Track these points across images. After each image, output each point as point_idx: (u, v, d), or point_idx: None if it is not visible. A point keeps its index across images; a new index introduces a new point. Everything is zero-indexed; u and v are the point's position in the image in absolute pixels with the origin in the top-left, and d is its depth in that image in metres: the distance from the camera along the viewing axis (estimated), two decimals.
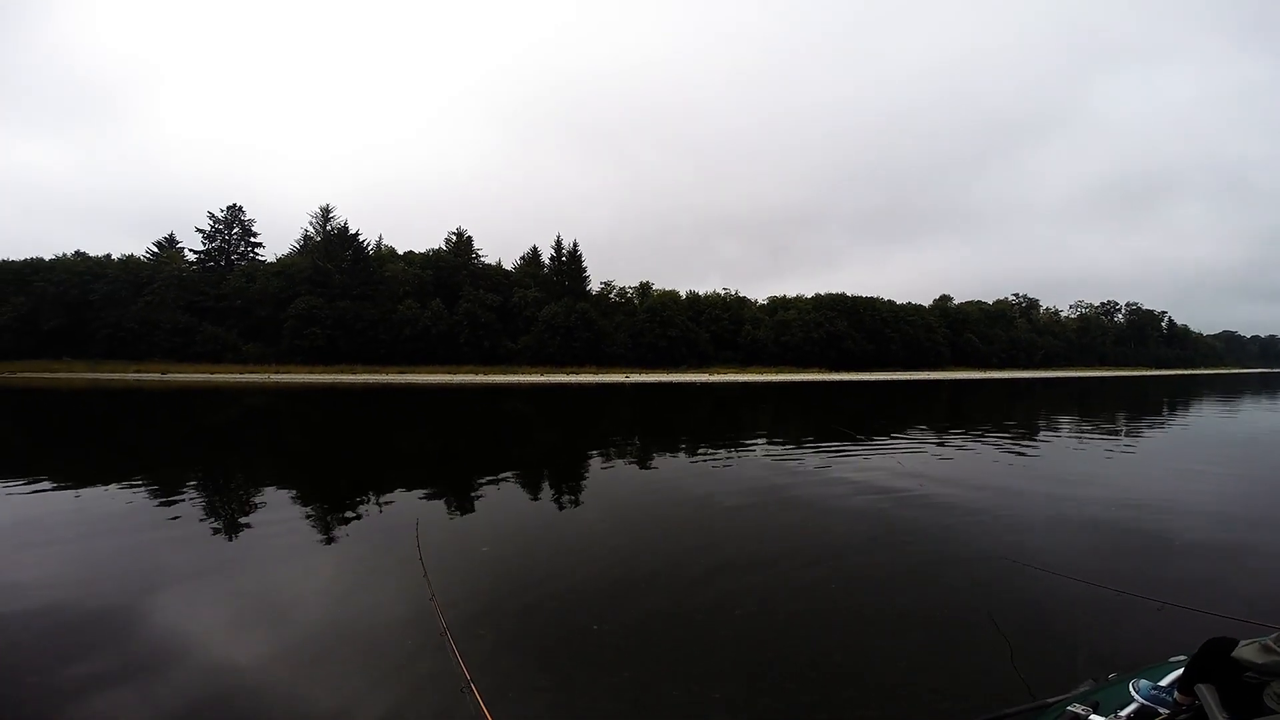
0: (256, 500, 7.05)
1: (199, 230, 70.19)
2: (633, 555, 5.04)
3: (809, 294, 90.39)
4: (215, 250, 70.91)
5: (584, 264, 77.79)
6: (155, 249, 68.24)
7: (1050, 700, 1.97)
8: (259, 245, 73.19)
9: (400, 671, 3.07)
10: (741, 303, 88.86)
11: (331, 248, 67.67)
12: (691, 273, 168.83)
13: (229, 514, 6.50)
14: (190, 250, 69.92)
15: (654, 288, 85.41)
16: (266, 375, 52.70)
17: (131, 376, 48.93)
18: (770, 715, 2.81)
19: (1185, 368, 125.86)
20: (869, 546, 5.34)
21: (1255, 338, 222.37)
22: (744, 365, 76.52)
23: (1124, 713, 1.70)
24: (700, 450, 11.44)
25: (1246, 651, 1.45)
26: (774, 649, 3.40)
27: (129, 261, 65.85)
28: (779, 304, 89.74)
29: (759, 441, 12.52)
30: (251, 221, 72.59)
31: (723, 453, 11.05)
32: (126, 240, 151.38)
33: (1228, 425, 17.07)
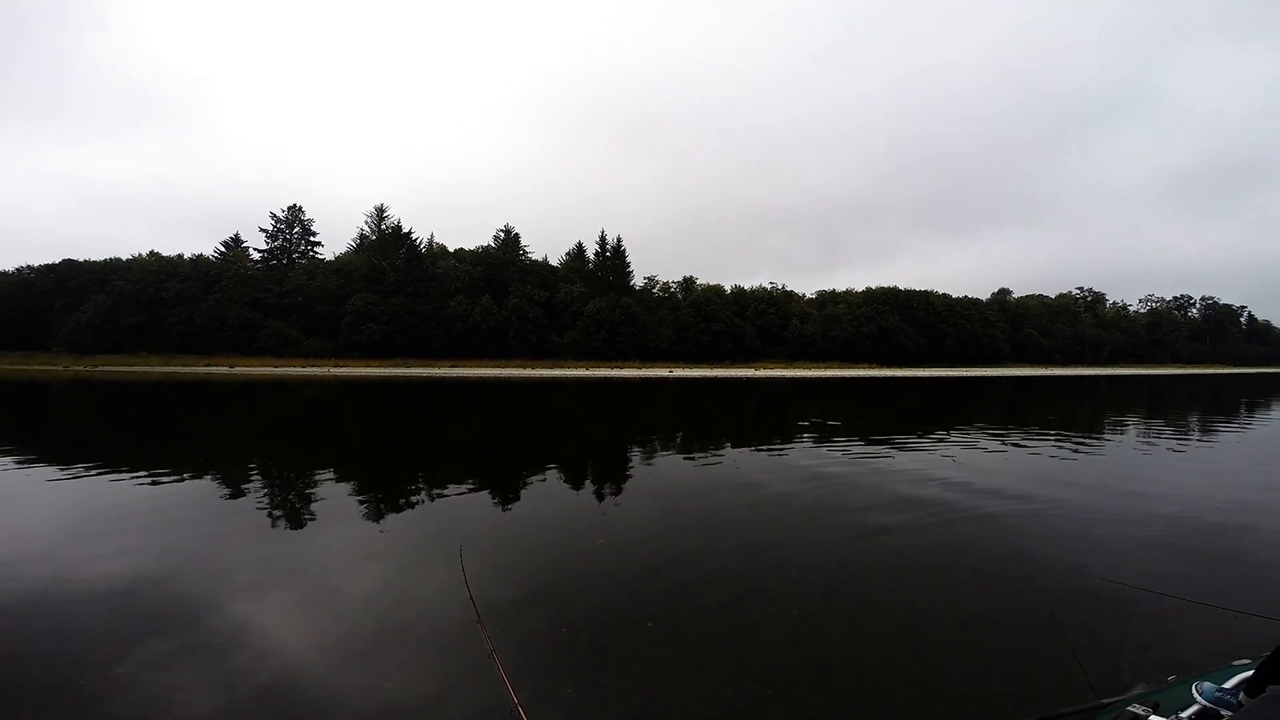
0: (315, 493, 7.23)
1: (262, 230, 73.73)
2: (681, 553, 4.97)
3: (860, 288, 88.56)
4: (278, 249, 74.19)
5: (627, 259, 78.32)
6: (222, 248, 71.85)
7: (1107, 701, 1.92)
8: (318, 244, 76.34)
9: (445, 690, 3.05)
10: (789, 297, 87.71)
11: (386, 246, 69.93)
12: (739, 267, 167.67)
13: (287, 508, 6.70)
14: (254, 249, 73.48)
15: (698, 282, 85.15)
16: (326, 369, 54.80)
17: (202, 370, 51.59)
18: (832, 716, 2.79)
19: (1268, 365, 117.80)
20: (927, 548, 5.16)
21: None
22: (791, 361, 75.51)
23: (1185, 714, 1.65)
24: (746, 445, 11.31)
25: None
26: (837, 649, 3.38)
27: (199, 261, 69.54)
28: (828, 298, 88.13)
29: (806, 439, 12.29)
30: (311, 221, 75.74)
31: (767, 449, 10.89)
32: (196, 239, 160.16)
33: None
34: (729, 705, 2.87)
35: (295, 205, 75.07)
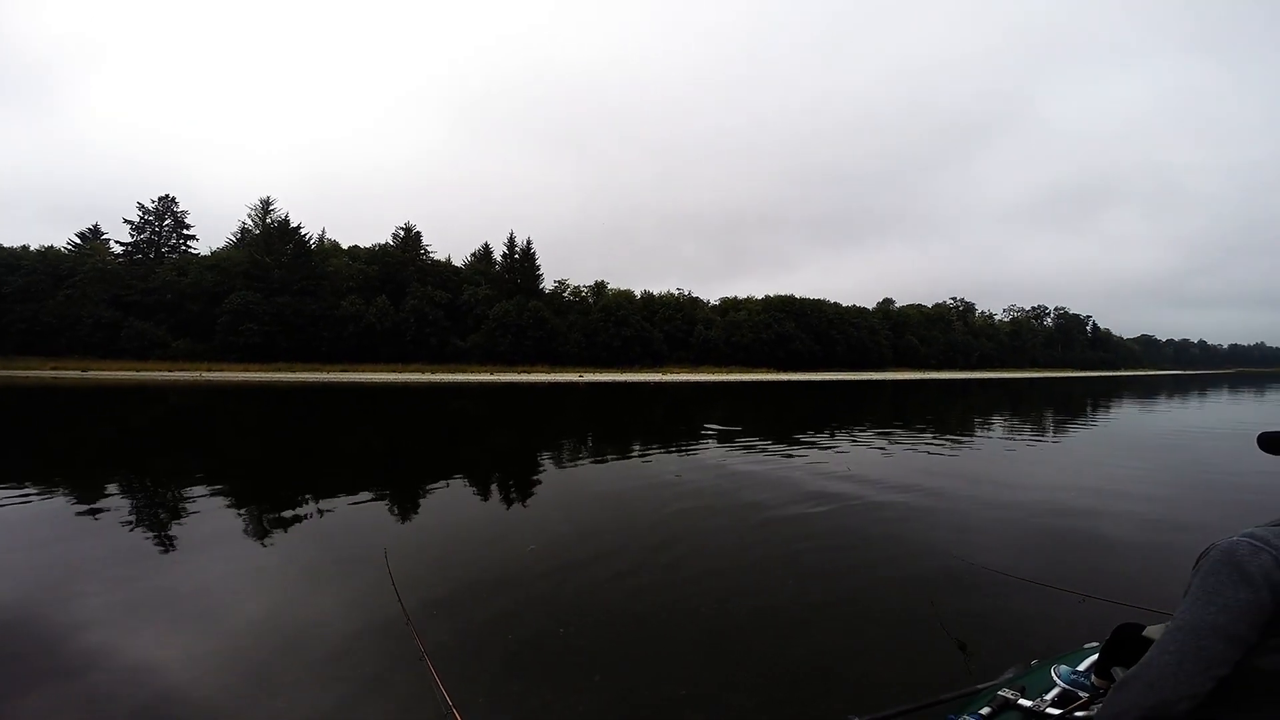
0: (189, 508, 6.65)
1: (127, 221, 66.64)
2: (593, 557, 5.04)
3: (760, 295, 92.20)
4: (144, 243, 67.27)
5: (537, 262, 77.37)
6: (78, 240, 64.19)
7: (981, 686, 2.08)
8: (192, 238, 69.97)
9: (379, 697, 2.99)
10: (695, 303, 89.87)
11: (271, 241, 65.10)
12: (651, 272, 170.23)
13: (160, 523, 6.12)
14: (117, 242, 66.18)
15: (610, 287, 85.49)
16: (198, 373, 50.22)
17: (49, 373, 45.84)
18: (739, 713, 2.90)
19: (1108, 370, 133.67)
20: (820, 544, 5.48)
21: (1170, 341, 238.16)
22: (696, 365, 77.37)
23: (1049, 696, 1.79)
24: (653, 450, 11.51)
25: (1153, 632, 1.54)
26: (738, 647, 3.51)
27: (48, 253, 61.77)
28: (730, 305, 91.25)
29: (710, 442, 12.70)
30: (185, 214, 69.31)
31: (675, 452, 11.16)
32: (45, 230, 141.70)
33: (1151, 424, 18.21)
34: (644, 706, 2.94)
35: (168, 195, 68.34)
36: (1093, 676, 1.84)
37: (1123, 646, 1.67)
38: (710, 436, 13.59)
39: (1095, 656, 1.91)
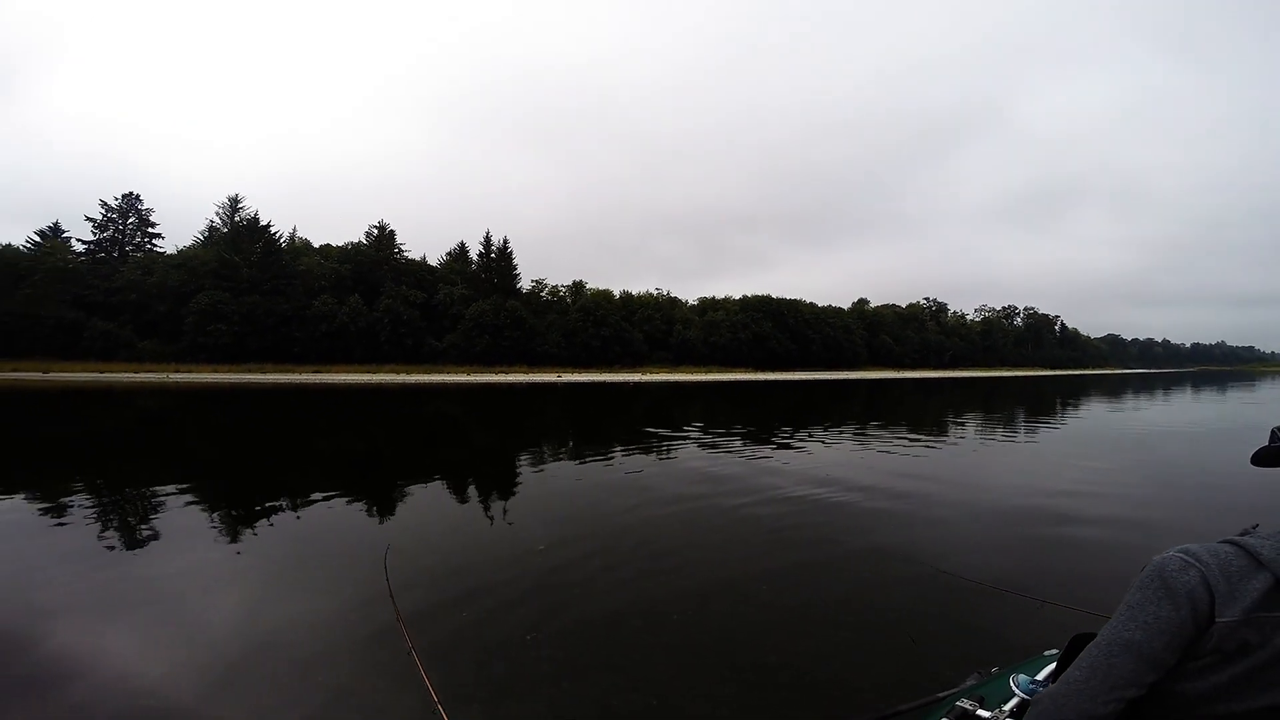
0: (161, 514, 6.48)
1: (89, 219, 64.74)
2: (567, 560, 5.04)
3: (738, 295, 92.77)
4: (107, 241, 65.43)
5: (514, 261, 76.80)
6: (38, 238, 62.09)
7: (941, 694, 2.05)
8: (158, 236, 68.20)
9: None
10: (673, 303, 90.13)
11: (239, 239, 63.70)
12: (630, 271, 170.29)
13: (134, 529, 5.95)
14: (79, 240, 64.22)
15: (588, 286, 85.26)
16: (165, 375, 48.95)
17: (8, 375, 44.33)
18: (707, 716, 2.92)
19: (1075, 368, 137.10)
20: (791, 546, 5.54)
21: (1135, 340, 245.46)
22: (675, 365, 77.59)
23: (1007, 707, 1.75)
24: (632, 449, 11.50)
25: None
26: (709, 651, 3.52)
27: (6, 251, 59.59)
28: (709, 305, 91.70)
29: (689, 441, 12.74)
30: (149, 211, 67.54)
31: (654, 452, 11.16)
32: (3, 227, 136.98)
33: (1119, 423, 18.61)
34: (612, 711, 2.95)
35: (131, 193, 66.54)
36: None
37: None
38: (688, 436, 13.63)
39: (1053, 665, 1.88)
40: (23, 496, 7.25)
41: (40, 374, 46.22)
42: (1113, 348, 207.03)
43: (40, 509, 6.66)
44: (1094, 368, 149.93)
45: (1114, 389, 43.87)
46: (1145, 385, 51.01)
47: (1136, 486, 8.58)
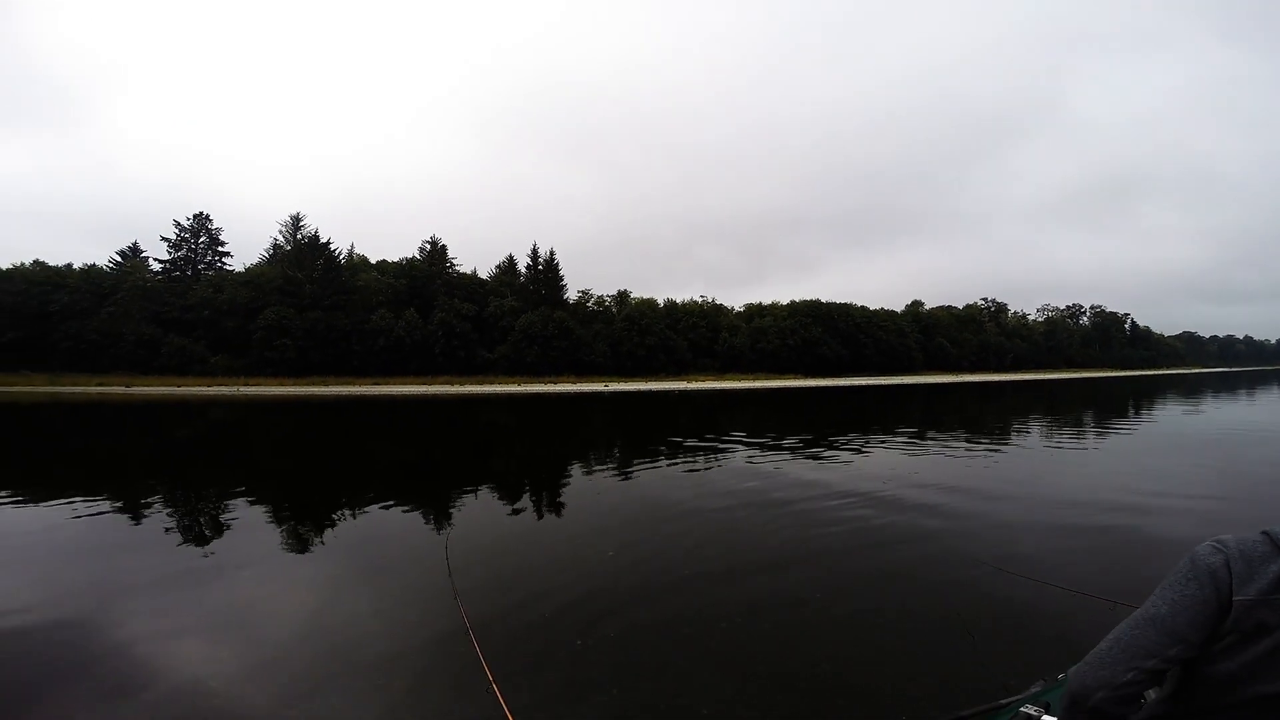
0: (235, 517, 6.85)
1: (164, 239, 68.60)
2: (618, 566, 5.03)
3: (785, 300, 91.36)
4: (181, 260, 69.26)
5: (561, 272, 77.72)
6: (119, 258, 66.36)
7: (1004, 701, 1.99)
8: (227, 255, 71.76)
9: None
10: (719, 310, 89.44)
11: (302, 257, 66.53)
12: (673, 279, 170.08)
13: (208, 531, 6.29)
14: (155, 259, 68.26)
15: (632, 296, 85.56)
16: (235, 387, 51.48)
17: (94, 389, 47.41)
18: None
19: (1148, 368, 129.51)
20: (849, 551, 5.39)
21: (1214, 338, 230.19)
22: (721, 373, 76.94)
23: None
24: (681, 456, 11.43)
25: None
26: (762, 658, 3.43)
27: (91, 271, 63.97)
28: (755, 311, 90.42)
29: (738, 447, 12.58)
30: (219, 230, 71.16)
31: (703, 458, 11.07)
32: (88, 248, 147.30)
33: (1196, 424, 17.49)
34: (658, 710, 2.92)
35: (202, 213, 70.35)
36: None
37: None
38: (738, 443, 13.44)
39: None
40: (106, 498, 7.67)
41: (123, 388, 49.29)
42: (1189, 346, 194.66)
43: (122, 511, 7.04)
44: (1169, 367, 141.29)
45: (1191, 389, 41.24)
46: (1225, 385, 47.73)
47: (1216, 491, 8.02)
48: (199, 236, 70.08)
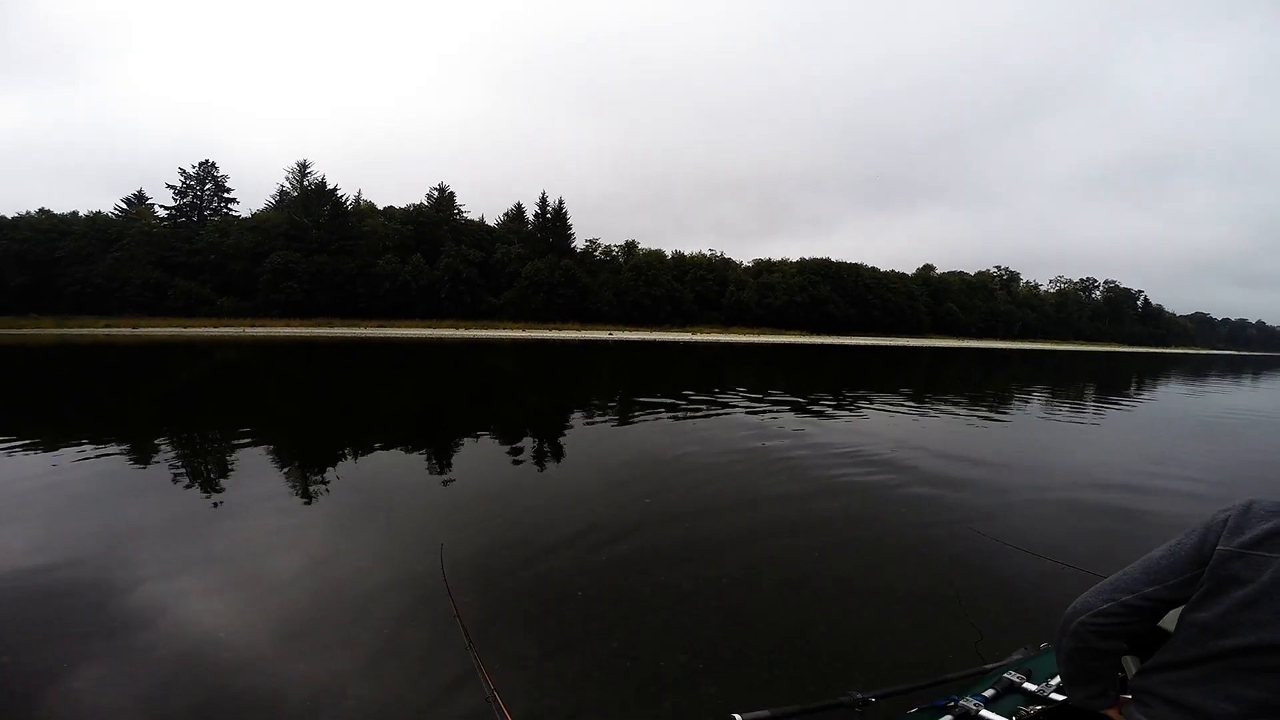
0: (239, 460, 6.75)
1: (170, 187, 68.29)
2: (619, 521, 4.92)
3: (795, 258, 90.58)
4: (187, 206, 68.99)
5: (568, 221, 77.10)
6: (124, 205, 66.08)
7: (989, 666, 2.03)
8: (233, 201, 71.46)
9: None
10: (727, 264, 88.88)
11: (309, 202, 66.14)
12: (684, 232, 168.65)
13: (212, 476, 6.14)
14: (161, 206, 68.03)
15: (641, 247, 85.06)
16: (242, 329, 51.68)
17: (101, 332, 47.62)
18: (757, 685, 2.83)
19: (1157, 346, 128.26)
20: (848, 515, 5.29)
21: (1225, 320, 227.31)
22: (727, 326, 76.80)
23: (1054, 681, 1.76)
24: (683, 410, 11.27)
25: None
26: (760, 619, 3.44)
27: (96, 218, 63.75)
28: (764, 267, 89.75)
29: (741, 403, 12.43)
30: (225, 178, 70.70)
31: (703, 414, 10.92)
32: (94, 198, 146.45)
33: (1197, 404, 17.24)
34: (661, 675, 2.88)
35: (208, 161, 69.78)
36: None
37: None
38: (743, 399, 13.25)
39: None
40: (114, 442, 7.55)
41: (130, 329, 49.50)
42: (1200, 327, 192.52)
43: (128, 456, 6.88)
44: (1177, 346, 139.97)
45: (1197, 369, 40.42)
46: (1233, 368, 46.72)
47: (1213, 470, 7.84)
48: (205, 184, 69.69)
